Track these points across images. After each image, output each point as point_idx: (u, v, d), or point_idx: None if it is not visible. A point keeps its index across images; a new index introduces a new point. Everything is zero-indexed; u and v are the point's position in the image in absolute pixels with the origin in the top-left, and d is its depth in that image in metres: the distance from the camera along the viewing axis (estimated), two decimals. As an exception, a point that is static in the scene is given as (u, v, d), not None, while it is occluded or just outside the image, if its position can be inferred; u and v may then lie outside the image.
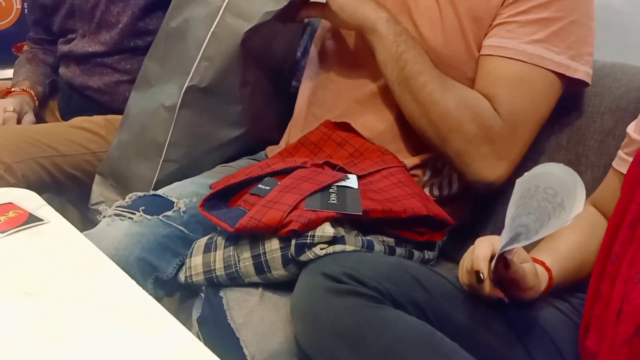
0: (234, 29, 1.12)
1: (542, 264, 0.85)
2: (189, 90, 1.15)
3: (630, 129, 0.92)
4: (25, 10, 2.07)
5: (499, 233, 1.13)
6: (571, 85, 1.04)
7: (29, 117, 1.52)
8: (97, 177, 1.31)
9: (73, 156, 1.41)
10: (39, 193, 0.95)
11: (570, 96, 1.05)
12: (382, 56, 1.04)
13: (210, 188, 1.00)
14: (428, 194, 1.08)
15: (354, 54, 1.16)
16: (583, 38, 1.02)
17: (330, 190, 0.90)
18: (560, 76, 1.02)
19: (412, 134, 1.07)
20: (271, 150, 1.26)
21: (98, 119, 1.50)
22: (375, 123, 1.11)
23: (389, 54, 1.03)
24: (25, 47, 1.75)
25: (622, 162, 0.91)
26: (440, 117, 1.00)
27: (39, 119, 1.57)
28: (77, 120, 1.50)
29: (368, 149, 1.05)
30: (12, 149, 1.29)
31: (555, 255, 0.87)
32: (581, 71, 1.02)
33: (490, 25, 1.04)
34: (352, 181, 0.93)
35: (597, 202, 0.95)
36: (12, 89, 1.56)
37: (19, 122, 1.49)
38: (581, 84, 1.04)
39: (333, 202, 0.86)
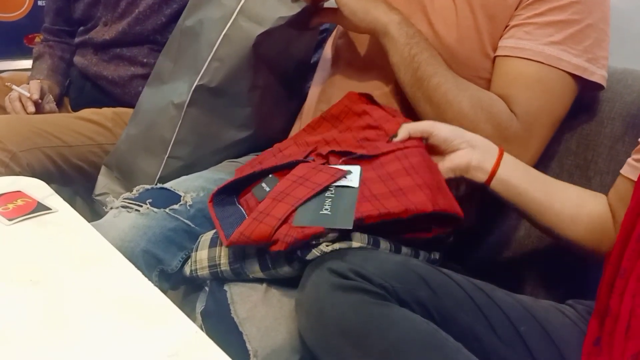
0: (246, 32, 1.12)
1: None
2: (198, 89, 1.16)
3: None
4: (38, 2, 2.07)
5: (505, 236, 1.15)
6: (586, 89, 1.04)
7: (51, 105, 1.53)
8: (103, 168, 1.32)
9: (79, 147, 1.41)
10: (45, 183, 0.96)
11: (584, 100, 1.05)
12: (395, 58, 1.04)
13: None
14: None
15: (367, 55, 1.16)
16: (599, 42, 1.02)
17: (327, 194, 0.87)
18: (577, 78, 1.01)
19: None
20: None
21: (106, 111, 1.51)
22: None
23: (402, 56, 1.03)
24: (38, 39, 1.75)
25: (631, 169, 0.90)
26: (455, 118, 1.00)
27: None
28: (85, 112, 1.51)
29: (388, 121, 1.01)
30: (18, 138, 1.30)
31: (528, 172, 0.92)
32: (598, 74, 1.02)
33: (507, 26, 1.04)
34: (353, 176, 0.90)
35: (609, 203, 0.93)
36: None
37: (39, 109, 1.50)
38: (596, 87, 1.04)
39: (325, 212, 0.84)
